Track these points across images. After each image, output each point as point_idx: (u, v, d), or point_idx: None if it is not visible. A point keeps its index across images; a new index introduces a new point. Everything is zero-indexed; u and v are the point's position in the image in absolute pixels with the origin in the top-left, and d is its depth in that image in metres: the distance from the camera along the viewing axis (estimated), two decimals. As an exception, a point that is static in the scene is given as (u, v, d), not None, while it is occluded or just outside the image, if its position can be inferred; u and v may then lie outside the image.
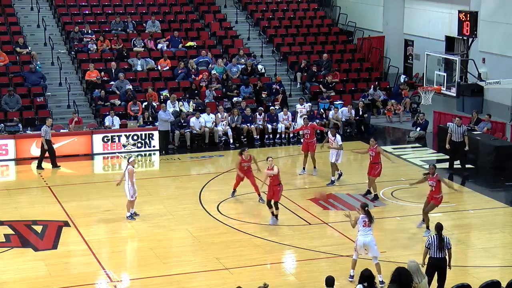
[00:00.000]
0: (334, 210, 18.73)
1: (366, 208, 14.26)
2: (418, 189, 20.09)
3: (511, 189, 21.45)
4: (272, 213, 17.60)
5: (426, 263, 13.01)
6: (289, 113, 26.23)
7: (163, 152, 24.10)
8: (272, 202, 17.50)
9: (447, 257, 13.03)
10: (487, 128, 24.26)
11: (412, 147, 25.03)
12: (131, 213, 17.85)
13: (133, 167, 17.75)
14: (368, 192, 19.56)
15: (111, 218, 18.09)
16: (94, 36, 29.60)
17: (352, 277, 14.20)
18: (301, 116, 25.37)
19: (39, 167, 22.27)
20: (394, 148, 24.97)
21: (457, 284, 11.97)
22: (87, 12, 31.47)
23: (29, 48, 28.59)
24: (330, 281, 11.50)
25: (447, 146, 21.92)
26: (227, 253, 15.82)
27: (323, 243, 16.42)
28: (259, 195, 19.10)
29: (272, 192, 17.43)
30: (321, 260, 15.58)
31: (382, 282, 13.77)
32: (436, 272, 12.96)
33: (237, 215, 18.25)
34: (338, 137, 20.71)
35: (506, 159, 22.55)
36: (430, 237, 13.15)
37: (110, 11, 31.69)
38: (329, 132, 21.08)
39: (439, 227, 13.13)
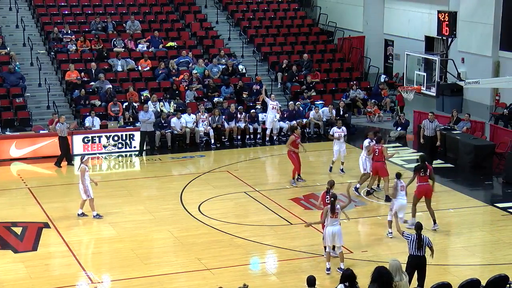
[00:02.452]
0: (316, 210, 18.76)
1: (332, 199, 14.79)
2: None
3: (490, 188, 21.64)
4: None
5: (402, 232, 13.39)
6: (276, 102, 26.17)
7: (140, 153, 23.92)
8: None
9: (426, 255, 13.12)
10: (466, 127, 24.43)
11: (393, 147, 25.12)
12: (95, 214, 17.96)
13: (86, 166, 17.83)
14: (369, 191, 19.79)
15: (91, 219, 17.98)
16: (73, 36, 29.43)
17: (328, 269, 14.60)
18: (273, 108, 25.67)
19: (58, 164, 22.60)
20: (374, 148, 25.01)
21: (437, 282, 12.03)
22: (66, 12, 31.27)
23: (8, 48, 28.35)
24: (311, 281, 11.53)
25: (421, 140, 22.40)
26: (209, 254, 15.81)
27: (304, 243, 16.45)
28: (299, 174, 20.59)
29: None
30: (302, 260, 15.61)
31: (340, 269, 14.31)
32: (416, 271, 13.05)
33: (218, 215, 18.24)
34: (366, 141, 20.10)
35: (485, 158, 22.72)
36: (411, 235, 13.24)
37: (89, 12, 31.52)
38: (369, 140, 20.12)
39: (418, 227, 13.25)
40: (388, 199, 18.59)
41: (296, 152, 20.49)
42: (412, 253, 13.09)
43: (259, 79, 28.82)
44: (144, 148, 24.11)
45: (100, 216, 17.92)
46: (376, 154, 19.18)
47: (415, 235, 13.10)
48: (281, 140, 25.95)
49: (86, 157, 18.57)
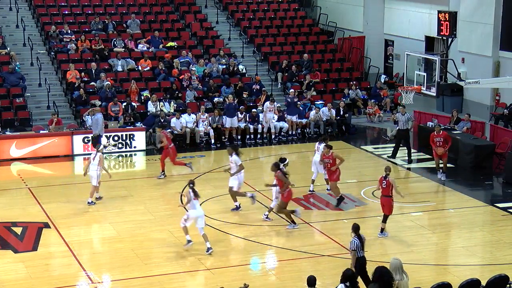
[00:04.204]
0: (316, 210, 18.77)
1: (191, 185, 15.55)
2: (398, 188, 20.20)
3: (490, 188, 21.64)
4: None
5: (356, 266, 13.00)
6: (275, 103, 26.26)
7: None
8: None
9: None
10: (466, 127, 24.43)
11: (393, 147, 25.10)
12: (96, 198, 18.84)
13: (102, 153, 18.86)
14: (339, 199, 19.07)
15: (91, 219, 18.01)
16: (73, 36, 29.44)
17: (189, 241, 15.72)
18: (270, 110, 25.76)
19: None
20: (374, 148, 25.07)
21: (437, 282, 12.03)
22: (66, 12, 31.29)
23: (8, 48, 28.36)
24: (311, 281, 11.53)
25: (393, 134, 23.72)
26: (209, 254, 15.79)
27: (304, 243, 16.45)
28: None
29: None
30: (302, 260, 15.61)
31: (210, 249, 15.44)
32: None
33: (218, 215, 18.23)
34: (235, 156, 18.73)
35: (485, 158, 22.72)
36: (353, 241, 13.03)
37: (90, 11, 31.53)
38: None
39: (356, 228, 13.16)
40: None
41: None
42: (358, 255, 13.03)
43: (258, 79, 28.84)
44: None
45: (94, 203, 18.75)
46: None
47: (356, 237, 13.02)
48: (281, 140, 25.97)
49: (102, 145, 19.45)
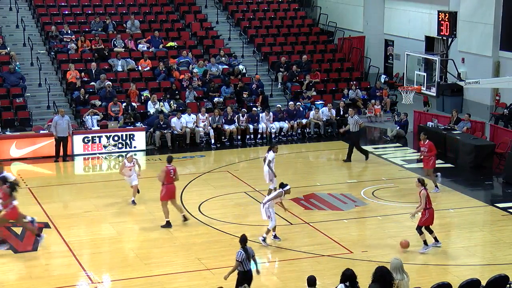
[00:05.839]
0: (316, 210, 18.77)
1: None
2: (398, 188, 20.25)
3: (490, 188, 21.64)
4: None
5: (229, 276, 12.78)
6: (271, 114, 26.26)
7: (56, 159, 23.05)
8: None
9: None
10: (466, 127, 24.42)
11: (393, 147, 25.14)
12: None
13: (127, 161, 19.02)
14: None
15: (91, 219, 18.00)
16: (73, 36, 29.43)
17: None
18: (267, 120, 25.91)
19: None
20: (374, 148, 25.06)
21: (437, 282, 12.02)
22: (66, 12, 31.28)
23: (8, 48, 28.35)
24: (312, 281, 11.52)
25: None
26: (209, 254, 15.80)
27: (304, 243, 16.45)
28: None
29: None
30: (302, 260, 15.60)
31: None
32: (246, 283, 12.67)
33: (218, 215, 18.23)
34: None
35: (485, 158, 22.72)
36: (240, 252, 12.73)
37: (90, 11, 31.52)
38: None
39: (244, 240, 12.89)
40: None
41: None
42: (244, 268, 12.68)
43: (257, 78, 28.85)
44: (60, 154, 23.19)
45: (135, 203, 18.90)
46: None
47: (242, 249, 12.72)
48: (281, 140, 25.97)
49: (129, 154, 19.62)
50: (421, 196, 15.61)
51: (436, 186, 19.94)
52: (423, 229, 15.81)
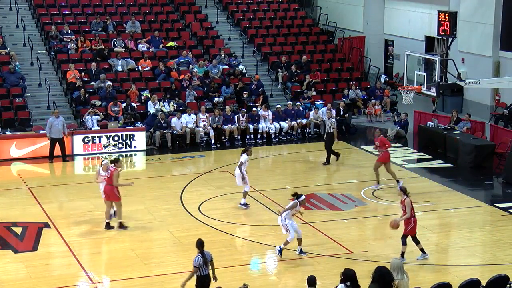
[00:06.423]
0: (316, 210, 18.77)
1: None
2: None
3: (490, 188, 21.64)
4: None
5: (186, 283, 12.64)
6: (269, 112, 26.26)
7: (50, 160, 23.02)
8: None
9: (210, 271, 12.72)
10: (466, 127, 24.43)
11: (393, 147, 25.10)
12: None
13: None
14: None
15: (91, 219, 17.99)
16: (73, 36, 29.44)
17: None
18: (264, 118, 25.88)
19: None
20: (374, 148, 25.01)
21: (437, 282, 12.02)
22: (66, 12, 31.28)
23: (8, 48, 28.36)
24: (311, 281, 11.51)
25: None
26: (209, 254, 15.79)
27: (304, 243, 16.42)
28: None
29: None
30: (302, 260, 15.60)
31: None
32: None
33: (218, 215, 18.23)
34: None
35: (485, 158, 22.73)
36: (197, 257, 12.56)
37: (90, 11, 31.53)
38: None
39: (201, 244, 12.69)
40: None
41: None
42: (201, 273, 12.49)
43: (257, 78, 28.85)
44: (54, 154, 23.08)
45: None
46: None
47: (200, 254, 12.55)
48: (281, 140, 25.97)
49: (104, 162, 18.08)
50: (406, 204, 15.04)
51: (377, 182, 20.32)
52: (408, 239, 15.18)
